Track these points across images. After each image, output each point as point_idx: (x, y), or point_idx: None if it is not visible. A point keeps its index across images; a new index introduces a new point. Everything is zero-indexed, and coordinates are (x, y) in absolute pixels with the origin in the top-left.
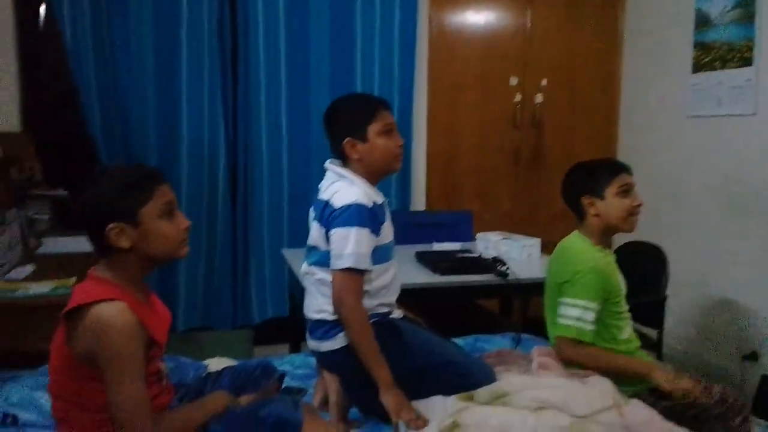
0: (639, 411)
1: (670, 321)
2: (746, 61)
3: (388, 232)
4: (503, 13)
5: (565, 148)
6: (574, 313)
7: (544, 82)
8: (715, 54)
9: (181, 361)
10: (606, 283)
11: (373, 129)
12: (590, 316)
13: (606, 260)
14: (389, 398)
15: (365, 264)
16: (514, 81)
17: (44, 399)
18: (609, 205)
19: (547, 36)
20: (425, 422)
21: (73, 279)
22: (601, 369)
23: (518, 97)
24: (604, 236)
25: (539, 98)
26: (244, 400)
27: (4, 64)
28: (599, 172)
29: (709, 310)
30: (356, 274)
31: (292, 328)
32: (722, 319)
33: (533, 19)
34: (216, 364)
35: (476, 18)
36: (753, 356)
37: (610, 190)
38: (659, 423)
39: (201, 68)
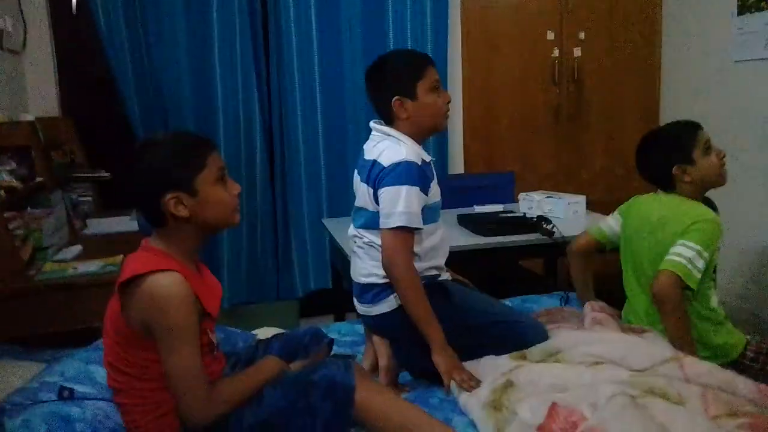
0: (698, 363)
1: (719, 273)
2: None
3: (435, 191)
4: None
5: (607, 103)
6: (688, 254)
7: (582, 34)
8: None
9: (229, 331)
10: (718, 240)
11: (422, 86)
12: (701, 263)
13: None
14: (441, 359)
15: (416, 222)
16: (551, 35)
17: (99, 372)
18: (701, 167)
19: None
20: (477, 383)
21: (120, 257)
22: (675, 331)
23: (556, 52)
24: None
25: (578, 52)
26: (295, 365)
27: (41, 50)
28: (681, 138)
29: (760, 261)
30: (407, 232)
31: (336, 298)
32: None
33: None
34: (264, 333)
35: None
36: None
37: (697, 152)
38: (720, 373)
39: (233, 42)
